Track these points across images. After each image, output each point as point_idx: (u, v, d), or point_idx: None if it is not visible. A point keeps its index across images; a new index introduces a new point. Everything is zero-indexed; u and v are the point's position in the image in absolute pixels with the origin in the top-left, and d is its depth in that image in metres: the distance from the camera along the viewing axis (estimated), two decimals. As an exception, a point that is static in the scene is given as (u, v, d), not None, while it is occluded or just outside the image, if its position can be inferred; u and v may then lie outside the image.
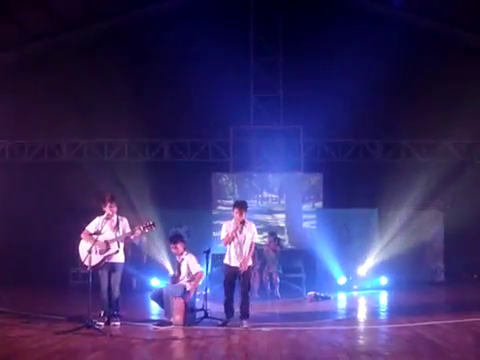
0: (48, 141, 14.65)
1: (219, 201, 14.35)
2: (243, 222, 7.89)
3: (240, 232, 7.84)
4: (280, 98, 14.62)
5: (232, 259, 7.86)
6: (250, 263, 7.97)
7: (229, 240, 7.84)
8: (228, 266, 7.91)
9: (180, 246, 8.45)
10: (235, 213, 7.90)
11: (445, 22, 14.31)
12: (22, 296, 10.61)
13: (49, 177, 13.75)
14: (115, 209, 7.89)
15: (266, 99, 14.59)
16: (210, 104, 13.36)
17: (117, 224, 7.90)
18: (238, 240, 7.84)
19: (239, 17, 14.36)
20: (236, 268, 7.82)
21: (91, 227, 7.87)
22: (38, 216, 13.73)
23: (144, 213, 12.12)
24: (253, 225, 8.08)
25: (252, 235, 7.92)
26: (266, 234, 12.65)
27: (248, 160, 14.56)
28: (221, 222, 13.55)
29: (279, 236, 12.86)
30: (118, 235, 7.83)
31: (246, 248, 7.84)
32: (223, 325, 7.72)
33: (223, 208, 14.10)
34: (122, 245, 7.90)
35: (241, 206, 7.95)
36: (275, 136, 14.49)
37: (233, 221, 7.95)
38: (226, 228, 7.92)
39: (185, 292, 8.08)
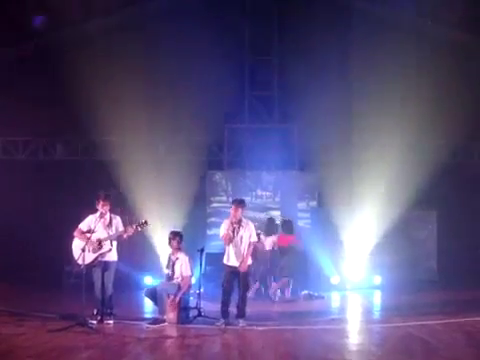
0: (43, 139, 14.59)
1: (212, 198, 14.34)
2: (239, 221, 7.87)
3: (237, 231, 7.81)
4: (275, 96, 14.60)
5: (231, 259, 7.82)
6: (249, 262, 7.95)
7: (227, 238, 7.78)
8: (227, 266, 7.88)
9: (175, 243, 8.42)
10: (231, 210, 7.91)
11: (440, 23, 14.32)
12: (15, 294, 10.58)
13: (43, 175, 13.68)
14: (107, 208, 7.90)
15: (261, 97, 14.56)
16: (205, 102, 13.31)
17: (110, 222, 7.92)
18: (235, 240, 7.79)
19: (234, 15, 14.33)
20: (235, 268, 7.80)
21: (84, 225, 7.88)
22: (31, 214, 13.67)
23: (138, 211, 12.10)
24: (251, 224, 8.01)
25: (249, 234, 7.87)
26: (259, 231, 12.57)
27: (242, 158, 14.54)
28: (214, 219, 13.70)
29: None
30: (111, 233, 7.85)
31: (244, 248, 7.81)
32: (219, 325, 7.70)
33: (216, 205, 14.10)
34: (115, 243, 7.91)
35: (237, 203, 7.92)
36: (270, 134, 14.47)
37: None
38: (224, 226, 7.88)
39: (179, 290, 8.08)
